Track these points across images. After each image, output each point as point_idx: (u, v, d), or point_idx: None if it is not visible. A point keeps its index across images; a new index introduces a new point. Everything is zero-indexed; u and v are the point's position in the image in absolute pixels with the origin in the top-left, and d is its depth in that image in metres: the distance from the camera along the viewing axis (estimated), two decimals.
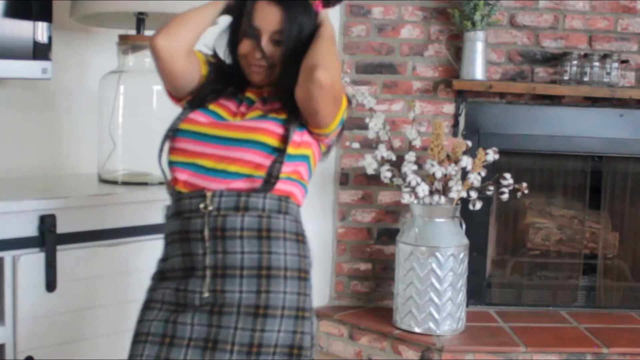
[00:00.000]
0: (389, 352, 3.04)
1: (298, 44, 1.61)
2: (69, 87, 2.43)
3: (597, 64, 3.23)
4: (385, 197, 3.34)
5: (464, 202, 3.05)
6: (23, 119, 2.35)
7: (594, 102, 3.35)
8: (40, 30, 2.15)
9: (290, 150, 1.58)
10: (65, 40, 2.39)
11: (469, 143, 3.12)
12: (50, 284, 1.93)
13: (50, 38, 2.18)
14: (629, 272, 3.57)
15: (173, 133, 1.64)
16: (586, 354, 2.97)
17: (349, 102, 1.72)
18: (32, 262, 1.89)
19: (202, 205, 1.54)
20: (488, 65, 3.26)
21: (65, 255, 1.95)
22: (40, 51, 2.16)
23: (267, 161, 1.56)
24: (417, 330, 2.99)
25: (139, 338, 1.58)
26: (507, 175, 3.06)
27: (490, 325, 3.19)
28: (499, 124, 3.32)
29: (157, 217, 2.16)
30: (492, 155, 3.04)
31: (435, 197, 2.98)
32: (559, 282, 3.54)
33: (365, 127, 3.14)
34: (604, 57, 3.24)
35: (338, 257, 3.36)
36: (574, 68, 3.23)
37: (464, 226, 3.06)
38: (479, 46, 3.16)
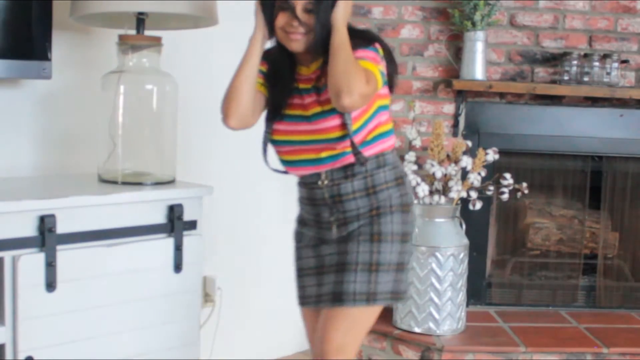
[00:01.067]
0: (389, 352, 3.04)
1: (329, 8, 1.81)
2: (69, 87, 2.43)
3: (597, 64, 3.23)
4: None
5: (464, 202, 3.05)
6: (23, 118, 2.35)
7: (594, 102, 3.35)
8: (40, 30, 2.15)
9: (355, 126, 1.85)
10: (65, 40, 2.39)
11: (469, 143, 3.12)
12: (50, 284, 1.93)
13: (50, 38, 2.18)
14: (629, 272, 3.57)
15: (272, 143, 1.97)
16: (586, 354, 2.97)
17: (385, 48, 1.92)
18: (32, 262, 1.89)
19: (319, 182, 1.91)
20: (488, 65, 3.26)
21: (65, 255, 1.95)
22: (40, 51, 2.16)
23: (344, 144, 1.86)
24: (417, 330, 2.99)
25: (305, 272, 2.01)
26: (507, 175, 3.06)
27: (490, 325, 3.19)
28: (499, 124, 3.32)
29: (157, 217, 2.16)
30: (492, 155, 3.04)
31: (435, 197, 2.99)
32: (558, 282, 3.54)
33: None
34: (604, 57, 3.24)
35: None
36: (574, 68, 3.23)
37: (464, 226, 3.06)
38: (479, 46, 3.16)
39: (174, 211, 2.17)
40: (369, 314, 1.92)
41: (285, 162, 1.98)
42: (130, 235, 2.10)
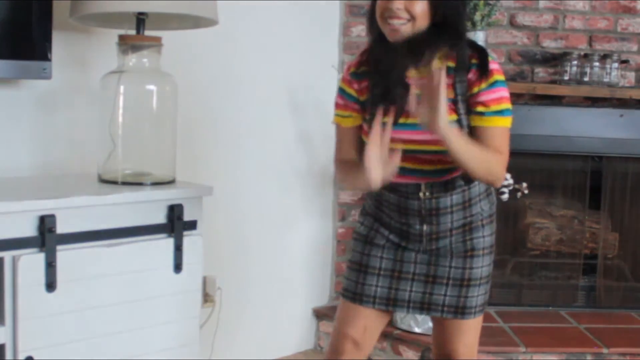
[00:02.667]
0: (388, 352, 3.04)
1: None
2: (69, 87, 2.43)
3: (597, 64, 3.23)
4: None
5: None
6: (23, 118, 2.35)
7: (594, 102, 3.35)
8: (40, 30, 2.15)
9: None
10: (65, 40, 2.39)
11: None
12: (50, 284, 1.93)
13: (50, 38, 2.17)
14: (629, 272, 3.57)
15: None
16: (586, 354, 2.97)
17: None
18: (32, 262, 1.89)
19: (420, 194, 1.84)
20: None
21: (65, 255, 1.95)
22: (40, 51, 2.16)
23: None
24: (417, 330, 2.99)
25: (372, 271, 1.93)
26: (507, 175, 3.06)
27: (490, 325, 3.19)
28: None
29: (157, 217, 2.16)
30: None
31: None
32: (559, 282, 3.54)
33: None
34: (604, 57, 3.24)
35: (338, 257, 3.36)
36: (574, 68, 3.23)
37: None
38: None
39: (174, 211, 2.17)
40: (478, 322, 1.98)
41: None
42: (130, 235, 2.10)
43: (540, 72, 3.35)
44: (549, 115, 3.32)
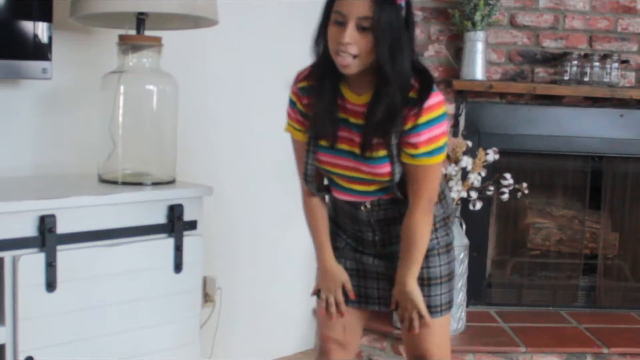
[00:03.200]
0: (388, 352, 3.04)
1: (386, 33, 1.62)
2: (69, 87, 2.43)
3: (597, 64, 3.23)
4: None
5: (464, 202, 3.05)
6: (23, 118, 2.35)
7: (594, 102, 3.35)
8: (40, 30, 2.15)
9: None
10: (65, 40, 2.39)
11: (469, 143, 3.12)
12: (50, 284, 1.93)
13: (50, 38, 2.17)
14: (629, 272, 3.57)
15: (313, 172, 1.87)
16: (586, 354, 2.97)
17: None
18: (32, 262, 1.89)
19: (362, 207, 1.87)
20: (488, 65, 3.26)
21: (65, 255, 1.95)
22: (40, 51, 2.16)
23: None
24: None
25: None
26: (507, 175, 3.06)
27: (490, 325, 3.19)
28: (499, 124, 3.32)
29: (157, 217, 2.16)
30: (492, 155, 3.04)
31: None
32: (559, 282, 3.54)
33: None
34: (604, 57, 3.24)
35: None
36: (574, 68, 3.23)
37: (464, 226, 3.06)
38: (479, 46, 3.16)
39: (174, 211, 2.17)
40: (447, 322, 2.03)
41: (331, 184, 1.92)
42: (130, 235, 2.10)
43: (540, 72, 3.35)
44: (549, 115, 3.32)
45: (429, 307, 1.91)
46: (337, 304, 1.97)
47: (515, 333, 3.09)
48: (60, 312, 1.96)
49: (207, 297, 2.81)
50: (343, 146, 1.79)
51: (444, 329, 2.00)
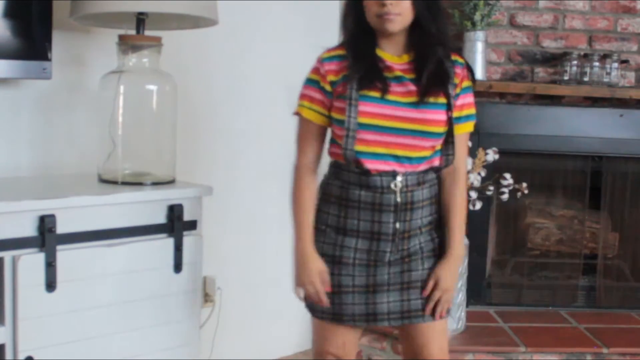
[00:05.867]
0: (389, 352, 3.04)
1: None
2: (69, 87, 2.43)
3: (597, 64, 3.23)
4: None
5: None
6: (23, 118, 2.35)
7: (594, 102, 3.35)
8: (40, 30, 2.15)
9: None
10: (65, 40, 2.39)
11: (469, 143, 3.11)
12: (50, 284, 1.93)
13: (50, 38, 2.18)
14: (629, 272, 3.57)
15: (356, 127, 1.81)
16: (586, 354, 2.97)
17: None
18: (32, 262, 1.89)
19: (392, 185, 1.83)
20: (488, 65, 3.26)
21: (65, 255, 1.95)
22: (40, 51, 2.16)
23: (438, 143, 1.85)
24: None
25: (345, 289, 1.89)
26: (507, 175, 3.06)
27: (490, 325, 3.19)
28: (499, 124, 3.32)
29: (157, 217, 2.16)
30: (492, 155, 3.04)
31: None
32: (559, 282, 3.54)
33: None
34: (604, 57, 3.24)
35: None
36: (574, 68, 3.23)
37: None
38: (479, 46, 3.16)
39: (174, 211, 2.17)
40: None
41: (362, 154, 1.82)
42: (130, 235, 2.10)
43: (540, 72, 3.35)
44: (549, 115, 3.32)
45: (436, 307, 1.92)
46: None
47: (515, 333, 3.09)
48: (60, 312, 1.96)
49: (207, 297, 2.81)
50: (396, 97, 1.80)
51: (446, 332, 2.01)
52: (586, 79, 3.23)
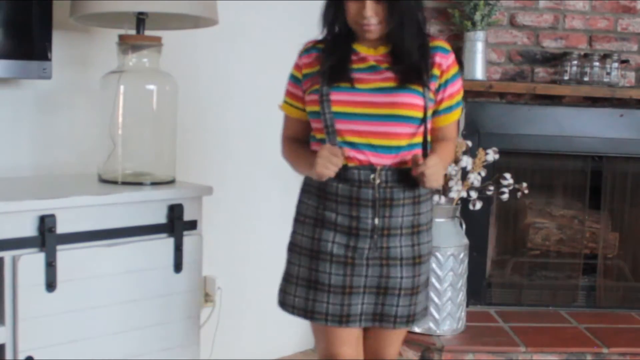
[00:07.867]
0: None
1: None
2: (69, 87, 2.43)
3: (597, 64, 3.23)
4: None
5: (464, 202, 3.05)
6: (23, 118, 2.35)
7: (594, 102, 3.35)
8: (40, 30, 2.15)
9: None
10: (65, 40, 2.39)
11: (469, 143, 3.12)
12: (50, 284, 1.93)
13: (50, 38, 2.18)
14: (629, 272, 3.57)
15: (332, 115, 1.81)
16: (586, 354, 2.97)
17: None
18: (32, 262, 1.89)
19: (372, 177, 1.80)
20: (488, 65, 3.26)
21: (65, 255, 1.95)
22: (40, 51, 2.16)
23: (418, 131, 1.84)
24: (417, 330, 2.99)
25: (321, 287, 1.86)
26: (507, 175, 3.06)
27: (490, 325, 3.19)
28: (499, 124, 3.32)
29: (157, 217, 2.16)
30: (492, 155, 3.04)
31: (435, 197, 2.98)
32: (559, 282, 3.54)
33: None
34: (604, 57, 3.24)
35: None
36: (574, 68, 3.23)
37: (464, 226, 3.06)
38: (479, 46, 3.16)
39: (174, 211, 2.17)
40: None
41: (343, 144, 1.81)
42: (130, 235, 2.10)
43: (540, 72, 3.35)
44: (549, 115, 3.32)
45: (408, 316, 1.89)
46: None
47: (515, 333, 3.09)
48: (60, 312, 1.96)
49: (207, 297, 2.81)
50: (368, 84, 1.81)
51: (404, 335, 2.05)
52: (586, 79, 3.23)
